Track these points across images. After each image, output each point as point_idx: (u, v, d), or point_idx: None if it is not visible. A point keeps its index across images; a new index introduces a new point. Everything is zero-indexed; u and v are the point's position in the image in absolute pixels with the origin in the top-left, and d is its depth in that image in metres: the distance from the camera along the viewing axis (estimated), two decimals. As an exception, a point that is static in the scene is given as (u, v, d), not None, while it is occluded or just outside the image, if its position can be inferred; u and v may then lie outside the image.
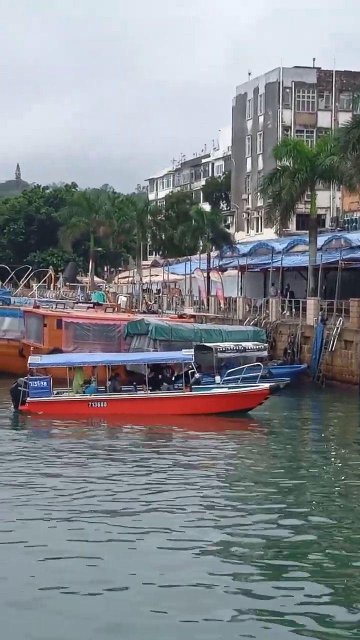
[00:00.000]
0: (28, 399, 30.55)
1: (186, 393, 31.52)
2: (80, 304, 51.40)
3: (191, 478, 21.41)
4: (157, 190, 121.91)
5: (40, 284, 71.59)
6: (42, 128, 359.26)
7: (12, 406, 31.05)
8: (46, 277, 75.92)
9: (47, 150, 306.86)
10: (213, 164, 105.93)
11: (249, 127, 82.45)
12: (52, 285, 79.97)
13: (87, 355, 36.41)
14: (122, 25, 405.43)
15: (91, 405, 30.94)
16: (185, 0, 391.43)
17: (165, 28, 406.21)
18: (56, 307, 46.27)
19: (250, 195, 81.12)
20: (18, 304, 50.07)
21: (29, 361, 32.19)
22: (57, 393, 31.73)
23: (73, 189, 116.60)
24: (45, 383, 30.70)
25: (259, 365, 34.16)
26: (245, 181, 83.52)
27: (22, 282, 67.42)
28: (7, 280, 71.73)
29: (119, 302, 61.60)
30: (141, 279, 78.42)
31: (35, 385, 30.59)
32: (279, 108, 77.12)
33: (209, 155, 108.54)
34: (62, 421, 29.33)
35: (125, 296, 70.88)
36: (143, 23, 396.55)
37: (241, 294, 56.85)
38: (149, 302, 67.98)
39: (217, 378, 37.45)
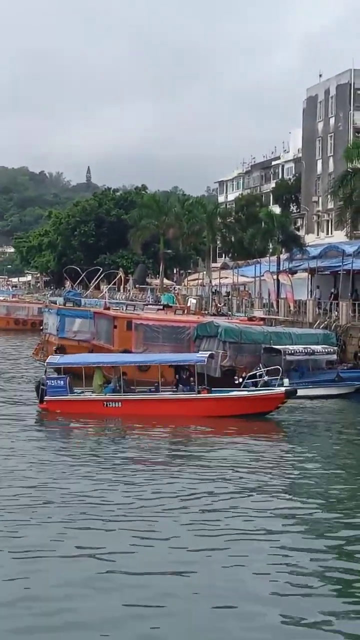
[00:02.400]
0: (46, 397, 31.03)
1: (201, 395, 31.20)
2: (150, 306, 51.64)
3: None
4: (226, 192, 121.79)
5: (110, 285, 72.07)
6: (113, 131, 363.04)
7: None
8: (116, 279, 76.46)
9: (118, 153, 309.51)
10: (283, 166, 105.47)
11: (320, 129, 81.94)
12: (122, 287, 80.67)
13: (103, 355, 36.63)
14: (199, 29, 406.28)
15: (106, 405, 31.05)
16: (261, 2, 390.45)
17: (241, 31, 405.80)
18: (126, 309, 46.51)
19: (320, 198, 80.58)
20: (89, 306, 50.55)
21: (46, 361, 32.85)
22: (81, 392, 32.04)
23: (143, 192, 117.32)
24: (62, 382, 31.10)
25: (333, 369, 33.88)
26: (315, 183, 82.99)
27: (93, 283, 67.89)
28: (77, 282, 72.37)
29: (188, 305, 61.83)
30: (210, 282, 78.46)
31: (53, 384, 31.07)
32: (350, 109, 76.43)
33: (279, 158, 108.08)
34: (77, 420, 29.56)
35: (194, 298, 71.05)
36: (219, 27, 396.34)
37: (311, 297, 56.44)
38: (219, 305, 67.97)
39: (286, 380, 37.42)
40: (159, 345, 40.70)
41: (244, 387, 35.35)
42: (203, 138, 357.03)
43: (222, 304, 68.78)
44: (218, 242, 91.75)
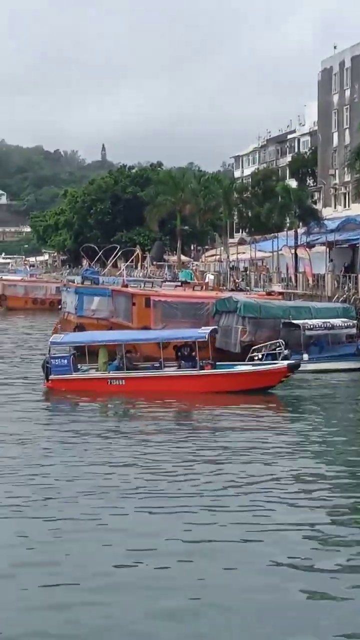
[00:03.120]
0: (50, 376, 31.27)
1: (203, 372, 31.12)
2: (168, 283, 51.62)
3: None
4: (242, 167, 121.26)
5: (127, 263, 72.05)
6: (128, 108, 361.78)
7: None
8: (133, 256, 76.43)
9: (132, 130, 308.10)
10: (299, 140, 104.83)
11: (335, 101, 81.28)
12: (139, 264, 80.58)
13: (104, 333, 36.95)
14: (211, 2, 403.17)
15: (110, 382, 31.17)
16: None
17: (256, 3, 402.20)
18: (144, 286, 46.53)
19: (337, 171, 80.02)
20: (107, 284, 50.56)
21: (50, 340, 33.07)
22: (87, 370, 32.33)
23: (159, 168, 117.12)
24: (65, 361, 31.28)
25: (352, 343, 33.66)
26: (332, 156, 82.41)
27: (110, 261, 67.95)
28: (95, 260, 72.38)
29: (206, 280, 61.73)
30: (228, 257, 78.27)
31: (57, 363, 31.28)
32: (366, 81, 75.84)
33: (294, 131, 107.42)
34: (81, 398, 29.72)
35: (212, 274, 70.93)
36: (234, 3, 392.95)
37: (330, 270, 56.20)
38: (237, 280, 67.83)
39: (305, 355, 37.40)
40: (178, 321, 40.66)
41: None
42: (219, 113, 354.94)
43: (240, 280, 68.63)
44: (235, 218, 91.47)
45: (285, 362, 31.28)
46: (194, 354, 31.98)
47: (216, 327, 36.11)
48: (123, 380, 31.11)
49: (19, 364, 40.84)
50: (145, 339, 34.10)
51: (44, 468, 20.11)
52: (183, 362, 32.27)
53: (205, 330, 32.72)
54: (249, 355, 34.41)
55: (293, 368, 31.31)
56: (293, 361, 31.69)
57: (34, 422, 26.01)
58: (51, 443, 23.00)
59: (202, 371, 31.15)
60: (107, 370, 31.94)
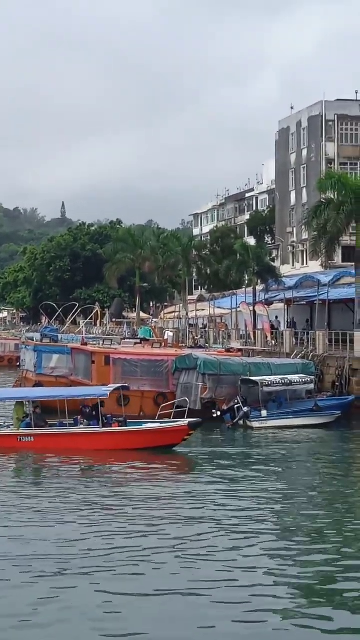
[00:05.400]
0: None
1: (107, 429, 31.29)
2: (127, 340, 51.59)
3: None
4: (201, 225, 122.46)
5: (87, 320, 72.04)
6: (90, 167, 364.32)
7: None
8: (93, 313, 76.46)
9: (92, 187, 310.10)
10: (257, 198, 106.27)
11: (293, 160, 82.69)
12: (98, 321, 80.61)
13: (16, 390, 39.13)
14: (179, 62, 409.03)
15: (20, 439, 31.30)
16: (245, 36, 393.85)
17: (223, 63, 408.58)
18: (103, 344, 46.46)
19: (295, 229, 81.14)
20: (65, 341, 50.40)
21: None
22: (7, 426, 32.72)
23: (118, 226, 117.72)
24: None
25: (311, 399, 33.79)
26: (289, 214, 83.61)
27: (69, 319, 67.91)
28: (54, 318, 72.23)
29: (165, 337, 61.73)
30: (187, 314, 78.58)
31: None
32: (322, 141, 77.28)
33: (253, 189, 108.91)
34: None
35: (171, 331, 71.03)
36: (201, 59, 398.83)
37: (287, 328, 56.62)
38: (196, 337, 68.02)
39: (264, 412, 37.52)
40: (137, 379, 40.60)
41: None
42: (180, 170, 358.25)
43: (199, 337, 68.82)
44: (194, 275, 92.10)
45: (187, 421, 31.09)
46: (94, 413, 32.01)
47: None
48: (32, 437, 31.26)
49: None
50: (50, 395, 34.15)
51: None
52: (85, 420, 32.33)
53: (108, 389, 32.88)
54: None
55: (195, 426, 31.14)
56: (194, 420, 31.29)
57: None
58: None
59: (106, 429, 31.28)
60: (19, 428, 32.06)
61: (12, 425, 32.44)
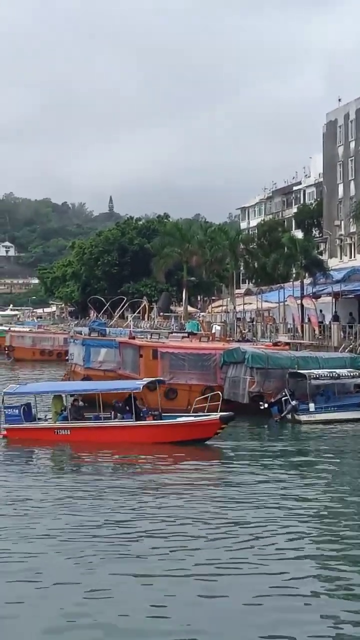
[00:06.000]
0: (3, 425, 32.43)
1: (139, 422, 31.58)
2: (175, 334, 51.68)
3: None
4: (249, 218, 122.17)
5: (134, 314, 72.27)
6: (135, 160, 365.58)
7: None
8: (140, 307, 76.69)
9: (140, 182, 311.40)
10: (305, 191, 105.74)
11: (340, 153, 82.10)
12: (146, 315, 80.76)
13: (53, 384, 40.47)
14: (219, 54, 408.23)
15: (57, 432, 31.93)
16: (288, 27, 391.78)
17: (263, 55, 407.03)
18: (151, 338, 46.57)
19: (342, 222, 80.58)
20: (114, 335, 50.64)
21: (4, 390, 33.99)
22: (41, 419, 33.43)
23: (165, 220, 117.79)
24: (17, 411, 32.43)
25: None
26: (337, 207, 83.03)
27: (117, 313, 68.14)
28: (102, 311, 72.60)
29: (213, 331, 61.76)
30: (235, 308, 78.49)
31: (9, 413, 32.46)
32: (371, 133, 76.70)
33: (300, 183, 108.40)
34: (30, 448, 30.54)
35: (219, 325, 71.00)
36: (241, 51, 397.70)
37: (334, 321, 56.36)
38: (243, 331, 67.95)
39: (312, 405, 37.42)
40: (185, 373, 40.72)
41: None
42: (225, 164, 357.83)
43: (247, 330, 68.74)
44: (241, 269, 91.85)
45: (218, 414, 31.19)
46: (127, 407, 32.24)
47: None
48: (68, 430, 31.83)
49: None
50: (85, 389, 34.89)
51: None
52: (119, 413, 32.67)
53: (141, 382, 33.37)
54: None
55: (226, 420, 31.19)
56: (226, 413, 31.37)
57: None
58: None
59: (139, 422, 31.60)
60: (56, 421, 32.62)
61: (51, 418, 33.07)
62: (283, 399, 37.67)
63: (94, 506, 21.35)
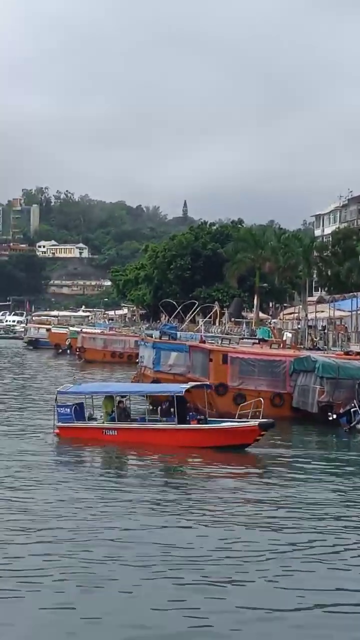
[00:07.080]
0: (57, 423, 33.13)
1: (179, 426, 31.53)
2: (246, 340, 51.49)
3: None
4: (323, 226, 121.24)
5: (205, 319, 72.23)
6: (210, 164, 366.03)
7: None
8: (212, 312, 76.59)
9: (214, 187, 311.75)
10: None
11: None
12: (217, 320, 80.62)
13: (103, 385, 41.25)
14: (297, 62, 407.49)
15: (105, 432, 32.48)
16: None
17: (344, 63, 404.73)
18: (222, 343, 46.50)
19: None
20: (184, 339, 50.70)
21: (57, 389, 34.91)
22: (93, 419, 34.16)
23: (239, 225, 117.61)
24: (68, 410, 33.20)
25: None
26: None
27: (188, 317, 68.17)
28: (173, 315, 72.73)
29: (284, 339, 61.40)
30: (307, 315, 77.91)
31: (62, 412, 33.25)
32: None
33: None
34: (79, 446, 31.11)
35: (290, 332, 70.54)
36: (322, 58, 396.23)
37: None
38: (315, 339, 67.38)
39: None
40: (254, 379, 40.63)
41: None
42: (302, 170, 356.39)
43: (318, 338, 68.14)
44: (314, 276, 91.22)
45: (258, 421, 30.90)
46: (172, 409, 32.17)
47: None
48: (115, 431, 32.35)
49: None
50: (131, 391, 36.52)
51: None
52: (164, 416, 32.84)
53: (185, 386, 33.45)
54: None
55: (266, 427, 30.85)
56: (265, 420, 30.98)
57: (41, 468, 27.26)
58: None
59: (180, 425, 31.59)
60: (105, 421, 33.14)
61: (102, 419, 33.67)
62: (352, 410, 37.26)
63: (148, 515, 21.16)
